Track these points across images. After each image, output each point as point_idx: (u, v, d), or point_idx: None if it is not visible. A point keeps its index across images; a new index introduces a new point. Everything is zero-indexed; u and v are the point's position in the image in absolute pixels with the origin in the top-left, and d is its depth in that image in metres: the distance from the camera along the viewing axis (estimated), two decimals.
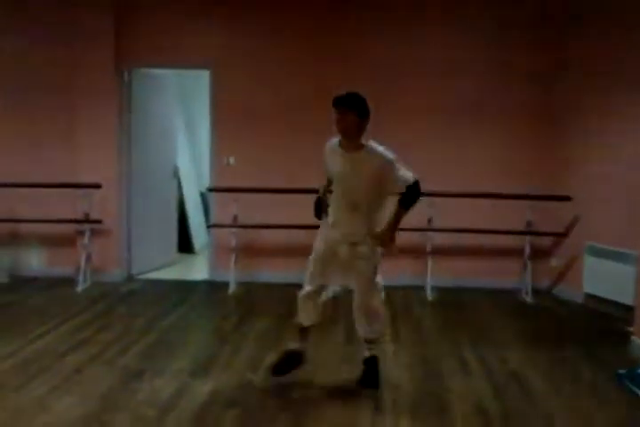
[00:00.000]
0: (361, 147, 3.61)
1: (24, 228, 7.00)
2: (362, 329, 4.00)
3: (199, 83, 7.50)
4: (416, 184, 3.68)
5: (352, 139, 3.61)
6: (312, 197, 6.45)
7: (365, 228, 3.75)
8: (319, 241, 3.93)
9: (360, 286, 3.94)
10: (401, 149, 6.65)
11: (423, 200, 6.31)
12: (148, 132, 7.23)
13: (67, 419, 3.39)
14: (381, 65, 6.75)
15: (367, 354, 4.06)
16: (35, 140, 6.89)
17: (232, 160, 6.90)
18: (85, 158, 6.74)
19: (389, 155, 3.62)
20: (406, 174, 3.65)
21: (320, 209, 3.99)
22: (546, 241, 6.78)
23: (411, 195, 3.69)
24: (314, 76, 6.77)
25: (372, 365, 4.04)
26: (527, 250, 6.52)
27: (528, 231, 6.51)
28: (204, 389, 3.88)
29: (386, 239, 3.73)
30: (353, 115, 3.53)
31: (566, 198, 6.25)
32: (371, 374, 4.01)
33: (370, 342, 4.06)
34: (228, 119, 6.86)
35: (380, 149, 3.64)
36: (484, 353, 4.66)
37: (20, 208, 6.82)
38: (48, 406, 3.56)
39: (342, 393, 3.86)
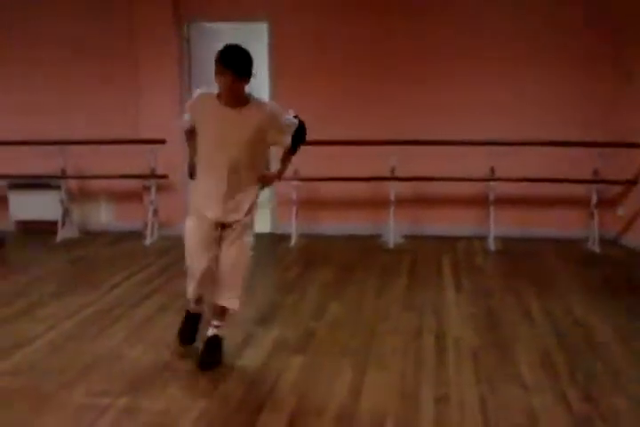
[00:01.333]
0: (246, 101, 3.27)
1: (93, 184, 7.21)
2: (225, 295, 3.55)
3: (257, 36, 7.46)
4: (302, 126, 3.53)
5: (237, 98, 3.25)
6: (371, 150, 6.53)
7: (249, 194, 3.48)
8: (196, 222, 3.51)
9: (236, 250, 3.52)
10: (462, 96, 6.65)
11: (486, 149, 6.34)
12: (208, 86, 7.24)
13: (140, 366, 3.55)
14: (434, 8, 6.60)
15: (213, 332, 3.65)
16: (99, 96, 7.03)
17: (291, 113, 6.88)
18: (149, 114, 6.84)
19: (275, 104, 3.49)
20: (291, 120, 3.47)
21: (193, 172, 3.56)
22: (613, 189, 6.60)
23: (298, 137, 3.51)
24: (372, 30, 6.68)
25: (216, 346, 3.62)
26: (594, 199, 6.37)
27: (595, 180, 6.34)
28: (269, 336, 3.98)
29: (271, 182, 3.71)
30: (244, 80, 3.17)
31: (635, 145, 6.04)
32: (213, 354, 3.58)
33: (222, 314, 3.64)
34: (286, 72, 6.83)
35: (266, 100, 3.48)
36: (550, 303, 4.62)
37: (88, 165, 7.01)
38: (123, 353, 3.72)
39: (404, 342, 3.90)
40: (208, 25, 7.17)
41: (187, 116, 3.50)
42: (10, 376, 3.42)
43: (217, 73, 3.14)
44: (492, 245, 6.38)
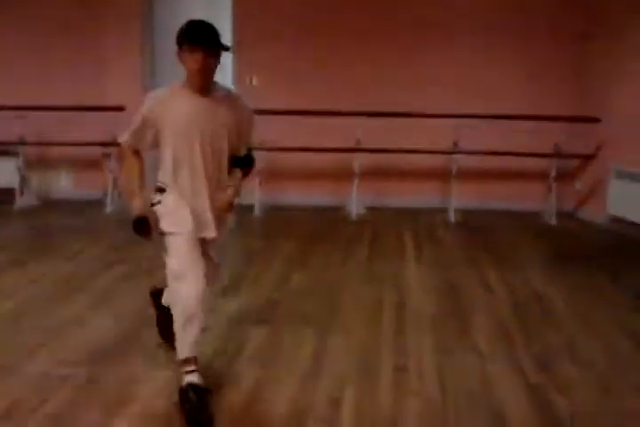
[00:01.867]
0: (213, 87, 2.82)
1: (52, 151, 7.09)
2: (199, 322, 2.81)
3: (221, 6, 7.33)
4: (251, 153, 3.06)
5: (210, 79, 2.77)
6: (336, 121, 6.51)
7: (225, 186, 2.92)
8: (177, 219, 2.82)
9: (215, 259, 3.07)
10: (429, 69, 6.67)
11: (449, 122, 6.39)
12: (172, 53, 7.12)
13: (103, 335, 3.54)
14: None
15: (196, 380, 2.79)
16: (60, 63, 6.88)
17: (255, 80, 6.83)
18: (110, 81, 6.75)
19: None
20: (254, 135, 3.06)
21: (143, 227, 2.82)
22: (572, 164, 6.72)
23: (250, 161, 3.05)
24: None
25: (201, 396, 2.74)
26: (553, 172, 6.47)
27: (555, 153, 6.44)
28: (232, 306, 4.00)
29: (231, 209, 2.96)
30: (217, 55, 2.72)
31: (595, 120, 6.14)
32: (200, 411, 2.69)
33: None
34: (251, 38, 6.74)
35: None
36: (507, 274, 4.72)
37: (49, 132, 6.87)
38: (82, 323, 3.70)
39: (365, 313, 3.96)
40: None
41: (132, 133, 2.86)
42: None
43: (185, 53, 2.69)
44: (452, 218, 6.47)
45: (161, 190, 2.86)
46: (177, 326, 2.78)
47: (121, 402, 2.80)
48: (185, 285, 2.77)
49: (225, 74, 8.39)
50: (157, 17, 6.86)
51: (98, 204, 6.74)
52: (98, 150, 6.89)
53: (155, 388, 2.94)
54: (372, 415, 2.74)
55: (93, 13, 6.67)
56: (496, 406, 2.83)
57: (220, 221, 2.93)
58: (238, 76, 6.87)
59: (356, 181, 6.59)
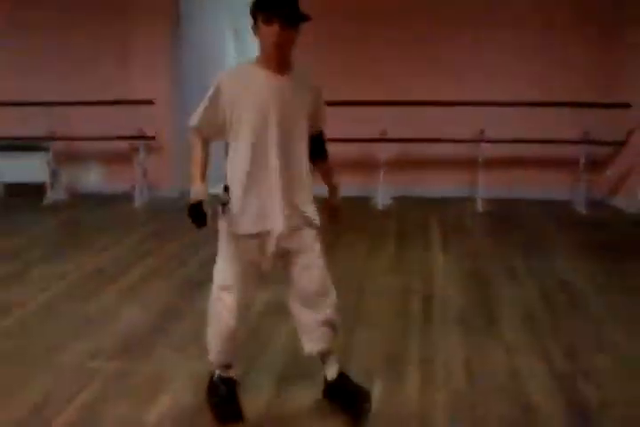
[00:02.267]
0: (291, 65, 2.49)
1: (81, 145, 7.16)
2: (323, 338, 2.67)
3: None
4: (323, 137, 2.81)
5: (288, 56, 2.45)
6: (362, 111, 6.47)
7: (309, 191, 2.57)
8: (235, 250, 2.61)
9: (316, 282, 2.67)
10: (453, 57, 6.60)
11: (476, 110, 6.32)
12: (199, 47, 7.18)
13: (133, 327, 3.59)
14: None
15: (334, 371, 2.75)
16: (88, 57, 6.94)
17: None
18: (138, 75, 6.79)
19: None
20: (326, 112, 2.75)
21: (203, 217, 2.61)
22: (602, 151, 6.61)
23: (322, 146, 2.78)
24: None
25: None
26: (582, 160, 6.39)
27: (584, 141, 6.35)
28: (260, 300, 4.02)
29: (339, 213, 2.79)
30: (296, 28, 2.36)
31: (625, 105, 6.03)
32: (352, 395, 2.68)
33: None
34: None
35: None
36: (536, 264, 4.68)
37: (76, 126, 6.95)
38: (115, 315, 3.76)
39: (392, 304, 3.96)
40: None
41: (202, 116, 2.50)
42: (1, 338, 3.45)
43: (260, 25, 2.33)
44: (480, 207, 6.42)
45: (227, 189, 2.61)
46: (211, 335, 2.66)
47: (150, 395, 2.84)
48: (229, 296, 2.59)
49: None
50: (185, 10, 6.88)
51: (127, 197, 6.81)
52: (126, 144, 6.95)
53: (183, 381, 2.98)
54: (400, 408, 2.74)
55: (121, 7, 6.70)
56: (524, 397, 2.82)
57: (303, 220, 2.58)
58: None
59: (382, 172, 6.57)
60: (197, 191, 2.58)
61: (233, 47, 8.87)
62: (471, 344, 3.36)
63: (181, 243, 5.25)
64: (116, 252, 5.04)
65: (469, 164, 6.69)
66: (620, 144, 6.32)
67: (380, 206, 6.53)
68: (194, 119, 2.51)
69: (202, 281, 4.31)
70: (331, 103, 6.13)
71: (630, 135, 6.22)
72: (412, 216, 6.21)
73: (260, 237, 2.52)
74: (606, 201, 6.64)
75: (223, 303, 2.59)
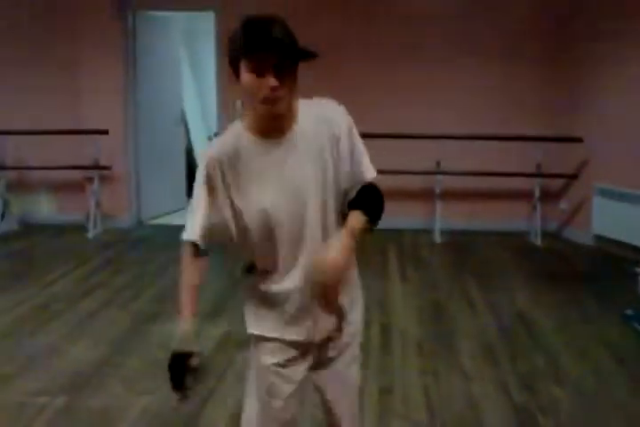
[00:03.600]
0: (294, 117, 1.76)
1: (33, 175, 7.01)
2: None
3: (205, 25, 7.35)
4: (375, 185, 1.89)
5: (287, 107, 1.69)
6: None
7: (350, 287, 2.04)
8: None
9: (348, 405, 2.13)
10: (409, 90, 6.69)
11: (432, 143, 6.39)
12: (153, 76, 7.14)
13: (80, 363, 3.47)
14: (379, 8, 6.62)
15: None
16: (40, 87, 6.82)
17: (239, 104, 6.83)
18: (92, 104, 6.70)
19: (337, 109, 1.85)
20: (366, 158, 1.90)
21: None
22: (555, 183, 6.73)
23: (376, 196, 1.90)
24: (322, 26, 6.64)
25: None
26: (537, 192, 6.48)
27: (538, 173, 6.46)
28: (216, 331, 3.94)
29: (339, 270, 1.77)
30: (295, 68, 1.66)
31: (577, 140, 6.16)
32: None
33: None
34: None
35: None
36: (493, 295, 4.69)
37: (29, 156, 6.80)
38: (62, 350, 3.63)
39: None
40: (154, 13, 7.05)
41: (197, 224, 1.84)
42: None
43: (246, 71, 1.63)
44: (437, 238, 6.45)
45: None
46: None
47: None
48: None
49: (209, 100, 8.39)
50: (139, 37, 6.85)
51: (80, 228, 6.66)
52: (80, 174, 6.83)
53: (134, 416, 2.87)
54: None
55: (72, 35, 6.63)
56: None
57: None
58: (223, 102, 6.87)
59: None
60: (184, 336, 1.88)
61: (190, 75, 8.88)
62: (430, 375, 3.33)
63: (134, 274, 5.14)
64: (65, 284, 4.89)
65: (426, 195, 6.73)
66: (572, 177, 6.44)
67: None
68: (187, 233, 1.87)
69: (155, 313, 4.23)
70: None
71: (582, 168, 6.35)
72: (370, 247, 6.19)
73: None
74: (560, 233, 6.73)
75: None
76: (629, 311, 4.26)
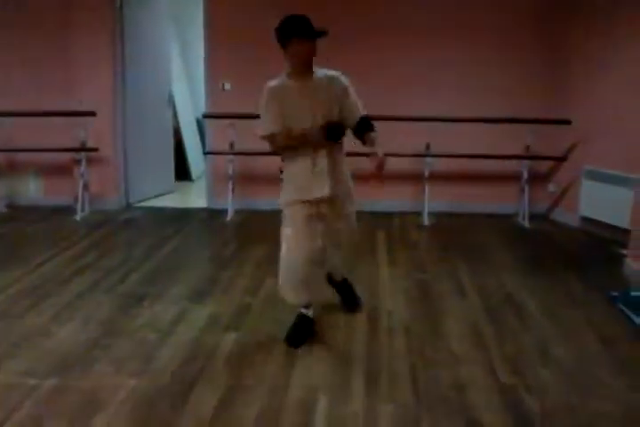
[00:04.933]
0: (312, 71, 3.37)
1: (21, 157, 6.96)
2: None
3: (194, 5, 7.28)
4: (367, 119, 3.54)
5: (311, 65, 3.36)
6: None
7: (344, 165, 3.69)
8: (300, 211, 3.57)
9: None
10: (399, 71, 6.67)
11: (421, 125, 6.39)
12: (142, 58, 7.08)
13: (69, 344, 3.47)
14: None
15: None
16: (28, 68, 6.76)
17: (228, 85, 6.79)
18: (80, 86, 6.64)
19: (341, 75, 3.46)
20: (360, 103, 3.53)
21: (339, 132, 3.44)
22: (544, 166, 6.76)
23: (368, 124, 3.54)
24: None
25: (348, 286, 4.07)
26: (525, 175, 6.50)
27: (526, 156, 6.48)
28: (202, 313, 3.95)
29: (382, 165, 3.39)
30: (315, 43, 3.25)
31: (566, 122, 6.18)
32: (352, 295, 4.05)
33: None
34: (223, 43, 6.70)
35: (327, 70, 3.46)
36: (480, 277, 4.72)
37: (17, 137, 6.76)
38: (51, 332, 3.63)
39: (337, 315, 3.93)
40: None
41: (268, 123, 3.37)
42: None
43: (291, 46, 3.22)
44: (426, 220, 6.47)
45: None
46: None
47: (88, 413, 2.74)
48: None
49: (197, 80, 8.35)
50: (128, 19, 6.78)
51: (68, 210, 6.64)
52: (67, 156, 6.80)
53: (123, 397, 2.89)
54: (345, 422, 2.71)
55: (61, 18, 6.57)
56: (470, 410, 2.82)
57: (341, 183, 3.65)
58: (211, 82, 6.82)
59: None
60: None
61: (178, 57, 8.80)
62: (417, 357, 3.35)
63: (122, 256, 5.13)
64: (54, 266, 4.88)
65: (415, 178, 6.74)
66: (561, 159, 6.47)
67: None
68: (261, 130, 3.39)
69: (143, 295, 4.23)
70: None
71: (571, 151, 6.37)
72: (359, 229, 6.19)
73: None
74: (549, 215, 6.77)
75: None
76: (615, 293, 4.30)
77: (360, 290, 4.26)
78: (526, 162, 6.49)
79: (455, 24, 6.57)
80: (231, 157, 6.58)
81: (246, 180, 6.89)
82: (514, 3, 6.52)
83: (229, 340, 3.55)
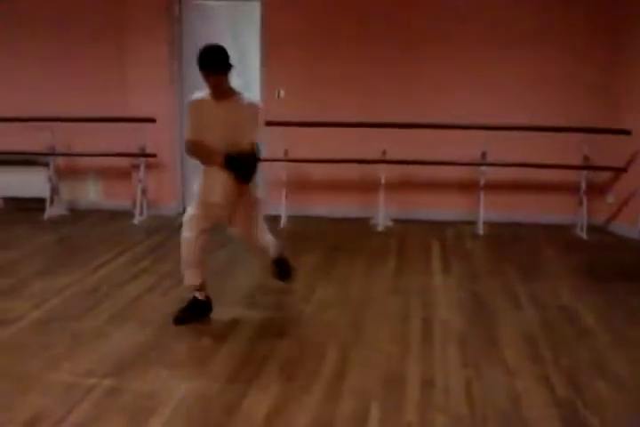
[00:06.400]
0: (231, 93, 3.66)
1: (82, 161, 7.15)
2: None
3: (251, 13, 7.37)
4: (255, 151, 3.71)
5: (223, 91, 3.63)
6: (363, 132, 6.50)
7: None
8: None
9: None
10: (455, 80, 6.62)
11: (478, 134, 6.32)
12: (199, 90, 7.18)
13: (125, 346, 3.54)
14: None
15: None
16: (89, 75, 6.96)
17: (282, 93, 6.85)
18: (139, 93, 6.78)
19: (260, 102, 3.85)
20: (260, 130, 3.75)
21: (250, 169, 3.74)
22: (602, 176, 6.60)
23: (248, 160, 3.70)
24: (363, 13, 6.61)
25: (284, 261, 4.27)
26: (583, 185, 6.37)
27: (585, 166, 6.34)
28: (256, 318, 3.98)
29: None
30: (225, 75, 3.56)
31: (625, 132, 6.03)
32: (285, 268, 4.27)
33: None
34: (279, 51, 6.76)
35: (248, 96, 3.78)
36: (536, 288, 4.64)
37: (78, 143, 6.95)
38: (107, 333, 3.71)
39: (391, 324, 3.91)
40: (200, 2, 7.08)
41: (188, 130, 3.77)
42: None
43: (203, 75, 3.56)
44: (480, 230, 6.39)
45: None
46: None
47: (143, 415, 2.79)
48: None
49: (253, 88, 8.47)
50: (186, 26, 6.91)
51: (126, 214, 6.78)
52: (126, 160, 6.95)
53: (177, 400, 2.93)
54: None
55: (121, 24, 6.73)
56: (525, 424, 2.77)
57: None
58: (266, 90, 6.88)
59: (382, 193, 6.55)
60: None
61: (235, 63, 8.90)
62: (472, 368, 3.31)
63: (178, 261, 5.20)
64: (111, 269, 4.99)
65: (470, 187, 6.67)
66: (621, 170, 6.31)
67: (380, 228, 6.50)
68: (189, 135, 3.77)
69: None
70: (329, 124, 6.20)
71: (630, 162, 6.21)
72: (413, 238, 6.17)
73: None
74: (607, 227, 6.61)
75: None
76: None
77: (414, 299, 4.23)
78: (584, 172, 6.36)
79: (511, 31, 6.49)
80: (285, 163, 6.62)
81: (300, 186, 6.93)
82: (571, 10, 6.41)
83: (283, 346, 3.57)
